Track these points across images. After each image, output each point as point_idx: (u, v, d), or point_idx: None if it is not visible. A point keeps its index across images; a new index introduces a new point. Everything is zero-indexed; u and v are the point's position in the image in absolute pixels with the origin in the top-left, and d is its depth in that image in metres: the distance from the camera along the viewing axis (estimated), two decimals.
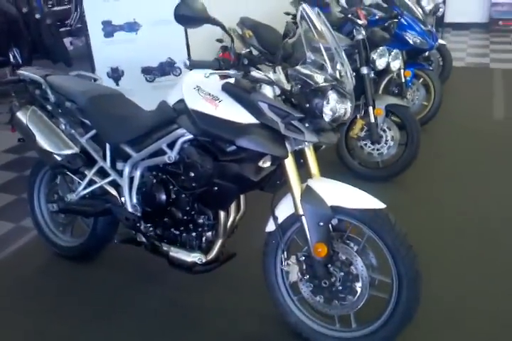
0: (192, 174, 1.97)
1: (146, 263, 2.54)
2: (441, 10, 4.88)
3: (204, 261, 2.08)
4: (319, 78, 1.75)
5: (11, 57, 5.49)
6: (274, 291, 2.07)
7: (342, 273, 1.87)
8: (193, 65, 1.72)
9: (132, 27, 3.61)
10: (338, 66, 1.82)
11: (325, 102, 1.72)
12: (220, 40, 4.30)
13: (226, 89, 1.85)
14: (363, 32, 3.23)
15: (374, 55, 3.23)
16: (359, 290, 1.87)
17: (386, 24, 3.79)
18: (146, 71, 3.72)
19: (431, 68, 4.26)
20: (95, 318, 2.25)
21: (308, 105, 1.74)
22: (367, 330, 1.91)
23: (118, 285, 2.45)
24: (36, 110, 2.40)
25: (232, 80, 1.85)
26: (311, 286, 1.94)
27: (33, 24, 5.60)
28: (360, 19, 3.19)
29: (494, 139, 3.99)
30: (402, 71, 3.82)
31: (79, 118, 2.31)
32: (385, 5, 4.04)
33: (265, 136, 1.77)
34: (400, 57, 3.42)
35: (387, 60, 3.30)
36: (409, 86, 4.05)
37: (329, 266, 1.87)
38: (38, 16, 5.61)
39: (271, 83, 1.79)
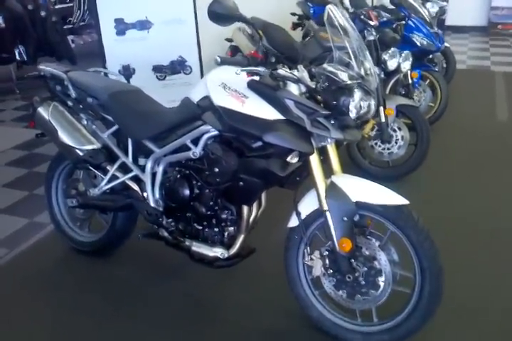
0: (216, 169, 2.00)
1: (165, 259, 2.57)
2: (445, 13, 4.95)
3: (226, 255, 2.11)
4: (346, 76, 1.78)
5: (17, 54, 5.49)
6: (296, 286, 2.10)
7: (365, 268, 1.91)
8: (224, 62, 1.76)
9: (144, 25, 3.63)
10: (364, 64, 1.86)
11: (351, 100, 1.76)
12: (229, 40, 4.33)
13: (252, 86, 1.88)
14: (374, 33, 3.28)
15: (385, 56, 3.27)
16: (382, 284, 1.90)
17: (394, 26, 3.85)
18: (157, 69, 3.74)
19: (437, 69, 4.32)
20: (115, 313, 2.27)
21: (335, 102, 1.77)
22: (388, 325, 1.95)
23: (137, 280, 2.48)
24: (58, 105, 2.41)
25: (257, 78, 1.89)
26: (334, 281, 1.97)
27: (39, 21, 5.59)
28: (371, 20, 3.23)
29: (499, 139, 4.07)
30: (409, 72, 3.87)
31: (100, 114, 2.33)
32: (391, 7, 4.10)
33: (291, 133, 1.81)
34: (411, 58, 3.46)
35: (398, 60, 3.35)
36: (416, 87, 4.10)
37: (352, 260, 1.91)
38: (43, 14, 5.60)
39: (297, 81, 1.83)
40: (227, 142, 1.98)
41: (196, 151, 2.04)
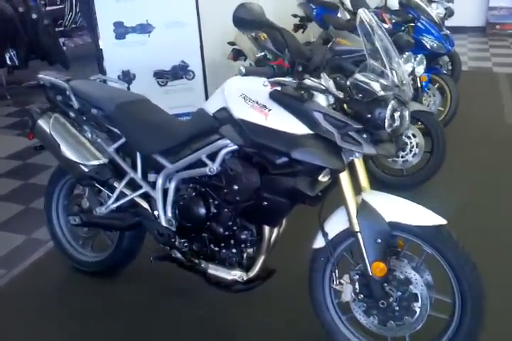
0: (236, 187, 1.85)
1: (176, 280, 2.40)
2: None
3: (245, 278, 1.96)
4: (380, 86, 1.64)
5: (7, 58, 5.28)
6: (322, 310, 1.95)
7: (399, 293, 1.76)
8: (249, 72, 1.62)
9: (145, 28, 3.46)
10: (398, 72, 1.72)
11: (388, 112, 1.62)
12: (231, 43, 4.16)
13: (275, 97, 1.74)
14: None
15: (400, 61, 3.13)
16: (418, 310, 1.76)
17: (403, 28, 3.72)
18: (159, 74, 3.57)
19: (445, 72, 4.20)
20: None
21: (369, 115, 1.63)
22: None
23: (145, 303, 2.32)
24: (59, 117, 2.24)
25: (279, 88, 1.74)
26: (365, 306, 1.83)
27: (30, 24, 5.39)
28: (385, 23, 3.10)
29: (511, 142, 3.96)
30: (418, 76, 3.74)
31: (106, 126, 2.17)
32: (395, 8, 3.95)
33: (321, 148, 1.67)
34: (424, 62, 3.33)
35: (413, 65, 3.21)
36: (425, 91, 3.97)
37: (385, 284, 1.76)
38: (34, 16, 5.39)
39: (324, 91, 1.69)
40: (248, 158, 1.83)
41: (213, 167, 1.88)
